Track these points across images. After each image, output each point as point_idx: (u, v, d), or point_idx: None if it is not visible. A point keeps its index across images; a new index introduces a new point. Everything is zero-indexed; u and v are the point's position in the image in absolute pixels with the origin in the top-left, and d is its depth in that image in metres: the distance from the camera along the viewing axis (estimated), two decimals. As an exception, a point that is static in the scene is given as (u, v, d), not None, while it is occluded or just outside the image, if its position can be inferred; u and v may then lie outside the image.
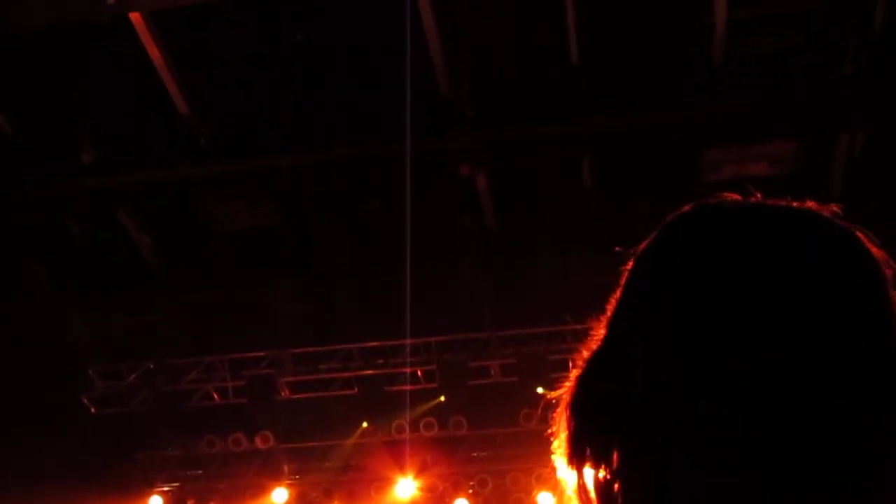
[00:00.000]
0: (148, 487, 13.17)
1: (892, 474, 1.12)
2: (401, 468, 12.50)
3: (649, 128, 10.65)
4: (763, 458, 1.10)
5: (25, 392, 11.87)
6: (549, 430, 1.30)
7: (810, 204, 1.26)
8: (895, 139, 10.68)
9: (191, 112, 11.01)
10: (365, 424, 12.89)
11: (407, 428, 12.40)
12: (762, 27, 10.33)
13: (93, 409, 13.16)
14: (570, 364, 1.30)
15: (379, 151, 11.00)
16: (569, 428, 1.25)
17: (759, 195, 1.29)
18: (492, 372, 12.48)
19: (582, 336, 1.30)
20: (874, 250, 1.23)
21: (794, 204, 1.26)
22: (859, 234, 1.23)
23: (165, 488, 13.28)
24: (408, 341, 12.10)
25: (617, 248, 1.33)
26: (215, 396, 13.08)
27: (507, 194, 11.84)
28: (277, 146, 11.10)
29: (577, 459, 1.23)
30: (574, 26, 10.19)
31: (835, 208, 1.26)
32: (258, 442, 12.85)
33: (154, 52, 10.43)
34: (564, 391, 1.28)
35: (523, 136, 10.91)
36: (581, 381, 1.26)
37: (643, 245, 1.29)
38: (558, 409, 1.28)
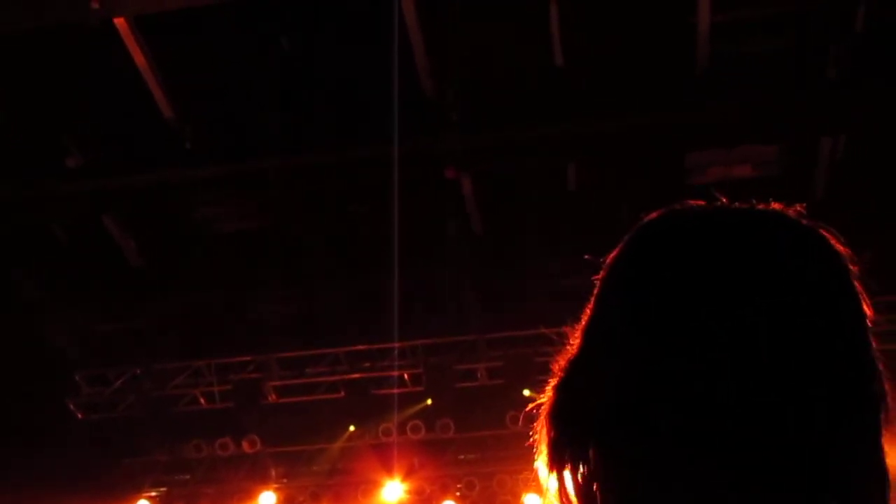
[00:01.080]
0: (135, 492, 13.13)
1: (863, 464, 1.15)
2: (388, 471, 12.50)
3: (634, 130, 10.69)
4: (733, 454, 1.12)
5: (11, 397, 11.83)
6: (532, 440, 1.32)
7: (775, 205, 1.28)
8: (877, 141, 10.75)
9: (176, 116, 11.00)
10: (352, 428, 12.89)
11: (394, 431, 12.41)
12: (745, 31, 10.38)
13: (79, 415, 13.13)
14: (552, 370, 1.33)
15: (365, 155, 11.01)
16: (548, 435, 1.27)
17: (725, 200, 1.30)
18: (478, 375, 12.50)
19: (567, 340, 1.32)
20: (839, 247, 1.25)
21: (760, 206, 1.28)
22: (824, 233, 1.26)
23: (153, 493, 13.24)
24: (395, 345, 12.11)
25: (587, 257, 1.35)
26: (202, 401, 13.07)
27: (493, 197, 11.87)
28: (263, 149, 11.10)
29: (557, 464, 1.26)
30: (559, 29, 10.22)
31: (799, 208, 1.28)
32: (245, 446, 12.83)
33: (139, 57, 10.42)
34: (544, 401, 1.30)
35: (508, 140, 10.94)
36: (558, 389, 1.28)
37: (612, 254, 1.31)
38: (539, 419, 1.30)
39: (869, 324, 1.23)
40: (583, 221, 10.45)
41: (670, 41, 10.37)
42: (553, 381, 1.30)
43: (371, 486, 12.60)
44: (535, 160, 11.26)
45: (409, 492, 12.54)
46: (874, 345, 1.22)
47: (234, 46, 10.78)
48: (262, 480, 12.99)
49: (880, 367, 1.21)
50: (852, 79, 10.06)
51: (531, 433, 1.32)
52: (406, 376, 12.57)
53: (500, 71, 10.63)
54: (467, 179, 11.55)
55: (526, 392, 11.06)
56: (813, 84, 10.22)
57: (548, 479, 1.27)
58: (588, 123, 10.62)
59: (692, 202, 1.30)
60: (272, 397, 12.85)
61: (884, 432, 1.18)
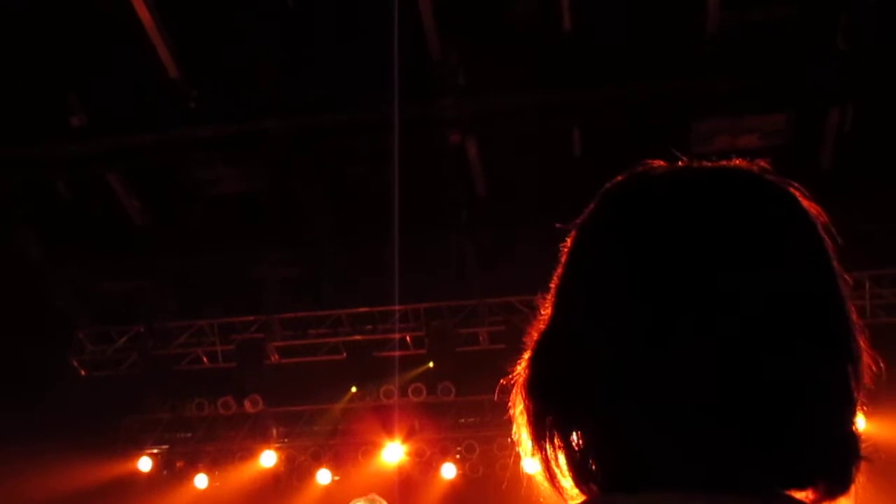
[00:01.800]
0: (137, 449, 13.22)
1: (836, 425, 1.16)
2: (389, 433, 12.57)
3: (641, 98, 10.65)
4: (721, 414, 1.13)
5: (15, 354, 11.88)
6: (507, 415, 1.29)
7: (738, 161, 1.27)
8: (885, 113, 10.70)
9: (180, 75, 10.96)
10: (353, 389, 12.95)
11: (395, 393, 12.46)
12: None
13: (82, 372, 13.20)
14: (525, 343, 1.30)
15: (369, 118, 10.98)
16: (527, 409, 1.26)
17: (685, 160, 1.30)
18: (480, 339, 12.54)
19: (538, 310, 1.31)
20: (806, 203, 1.24)
21: (722, 163, 1.28)
22: (791, 189, 1.25)
23: (154, 450, 13.34)
24: (396, 307, 12.13)
25: (558, 225, 1.34)
26: (204, 360, 13.12)
27: (497, 162, 11.84)
28: (267, 111, 11.07)
29: (538, 438, 1.25)
30: (567, -5, 10.15)
31: (763, 164, 1.27)
32: (247, 406, 12.90)
33: (144, 15, 10.37)
34: (517, 374, 1.28)
35: (514, 104, 10.90)
36: (533, 361, 1.27)
37: (580, 219, 1.30)
38: (513, 393, 1.29)
39: (840, 280, 1.22)
40: (587, 188, 10.41)
41: (680, 8, 10.30)
42: (527, 354, 1.28)
43: (371, 447, 12.68)
44: (540, 125, 11.23)
45: (410, 454, 12.61)
46: (848, 301, 1.22)
47: (239, 6, 10.72)
48: (264, 440, 13.06)
49: (854, 322, 1.21)
50: (862, 49, 10.00)
51: (508, 407, 1.30)
52: (408, 339, 12.61)
53: (507, 35, 10.57)
54: (472, 143, 11.53)
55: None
56: (822, 54, 10.16)
57: (531, 451, 1.26)
58: (594, 89, 10.57)
59: (655, 163, 1.29)
60: (274, 357, 12.90)
61: (858, 396, 1.19)
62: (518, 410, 1.28)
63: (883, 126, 10.80)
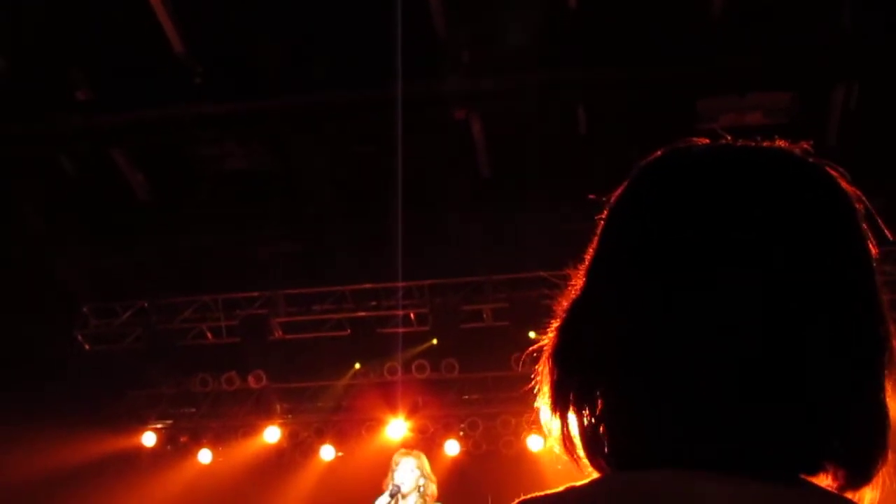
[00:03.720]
0: (141, 424, 13.28)
1: (865, 402, 1.16)
2: (392, 409, 12.61)
3: (646, 76, 10.61)
4: (740, 396, 1.13)
5: (19, 328, 11.91)
6: (534, 381, 1.30)
7: (780, 143, 1.27)
8: (890, 90, 10.66)
9: (186, 51, 10.94)
10: (357, 365, 12.97)
11: (399, 370, 12.49)
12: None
13: (87, 346, 13.23)
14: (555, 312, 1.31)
15: (372, 95, 10.94)
16: (551, 377, 1.26)
17: (730, 138, 1.29)
18: (484, 316, 12.55)
19: (569, 281, 1.31)
20: (845, 186, 1.24)
21: (764, 143, 1.27)
22: (830, 171, 1.25)
23: (158, 425, 13.40)
24: (399, 284, 12.14)
25: (591, 196, 1.34)
26: (209, 335, 13.15)
27: (502, 140, 11.82)
28: (272, 88, 11.04)
29: (560, 406, 1.25)
30: (573, -29, 10.11)
31: (805, 146, 1.27)
32: (251, 381, 12.94)
33: (150, -10, 10.34)
34: (546, 343, 1.29)
35: (518, 82, 10.86)
36: (562, 330, 1.27)
37: (616, 192, 1.29)
38: (541, 361, 1.29)
39: (874, 264, 1.22)
40: (593, 165, 10.40)
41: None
42: (556, 323, 1.28)
43: (375, 423, 12.72)
44: (545, 103, 11.20)
45: (413, 430, 12.65)
46: (881, 286, 1.21)
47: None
48: (267, 416, 13.11)
49: (885, 308, 1.20)
50: (867, 27, 9.95)
51: (533, 375, 1.30)
52: (412, 316, 12.62)
53: (512, 12, 10.53)
54: (476, 120, 11.50)
55: (531, 334, 11.10)
56: (827, 31, 10.11)
57: (550, 421, 1.27)
58: (599, 67, 10.53)
59: (696, 140, 1.29)
60: (278, 333, 12.92)
61: (886, 384, 1.18)
62: (544, 378, 1.28)
63: (888, 104, 10.77)
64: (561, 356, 1.26)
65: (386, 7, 9.91)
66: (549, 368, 1.27)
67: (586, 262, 1.29)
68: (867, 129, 10.96)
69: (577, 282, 1.29)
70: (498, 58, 10.64)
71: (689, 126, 10.92)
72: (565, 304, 1.29)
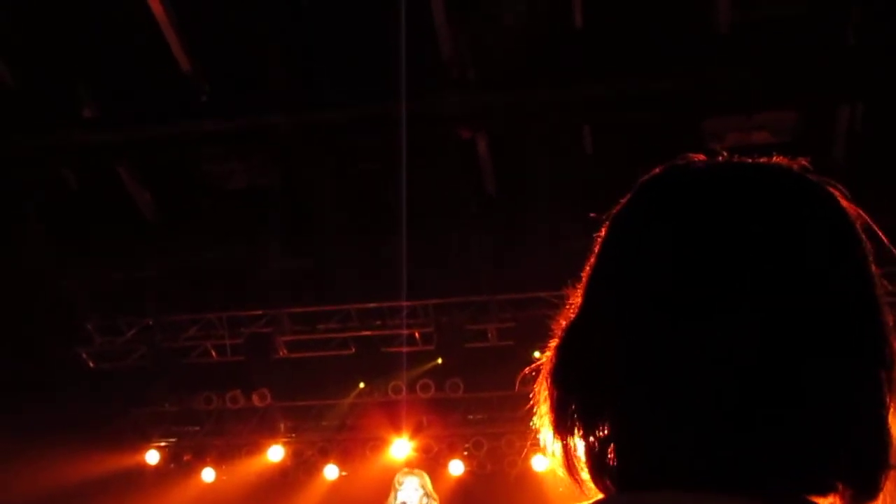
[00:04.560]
0: (144, 442, 13.25)
1: (865, 417, 1.14)
2: (396, 429, 12.57)
3: (652, 95, 10.63)
4: (743, 416, 1.11)
5: (23, 345, 11.91)
6: (531, 403, 1.29)
7: (779, 159, 1.25)
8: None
9: (192, 69, 10.97)
10: (362, 385, 12.95)
11: (403, 389, 12.46)
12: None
13: (90, 364, 13.22)
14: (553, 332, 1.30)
15: (377, 113, 10.97)
16: (551, 398, 1.25)
17: (726, 154, 1.27)
18: (489, 335, 12.53)
19: (567, 300, 1.30)
20: (845, 203, 1.22)
21: (762, 160, 1.26)
22: (830, 188, 1.23)
23: (162, 443, 13.36)
24: (404, 303, 12.13)
25: (592, 215, 1.33)
26: (213, 353, 13.14)
27: (507, 158, 11.83)
28: (278, 106, 11.07)
29: (562, 427, 1.23)
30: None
31: (804, 162, 1.25)
32: (255, 399, 12.91)
33: (157, 8, 10.39)
34: (543, 362, 1.27)
35: (524, 101, 10.88)
36: (560, 350, 1.26)
37: (615, 210, 1.28)
38: (538, 381, 1.28)
39: (876, 283, 1.20)
40: (599, 184, 10.40)
41: (691, 5, 10.28)
42: (554, 343, 1.27)
43: (379, 442, 12.68)
44: (551, 122, 11.21)
45: (417, 450, 12.61)
46: (883, 303, 1.20)
47: (251, 1, 10.73)
48: (271, 434, 13.08)
49: (889, 326, 1.18)
50: (872, 46, 9.97)
51: (531, 395, 1.29)
52: (417, 335, 12.60)
53: (518, 30, 10.56)
54: (482, 139, 11.51)
55: (536, 354, 11.04)
56: (832, 50, 10.13)
57: (552, 442, 1.25)
58: (606, 86, 10.55)
59: (694, 156, 1.27)
60: (283, 352, 12.91)
61: (890, 402, 1.16)
62: (542, 398, 1.27)
63: (894, 123, 10.77)
64: (560, 376, 1.24)
65: (391, 26, 9.94)
66: (549, 388, 1.25)
67: (584, 281, 1.27)
68: (873, 147, 10.96)
69: (576, 300, 1.27)
70: (503, 76, 10.66)
71: (695, 145, 10.88)
72: (563, 322, 1.28)
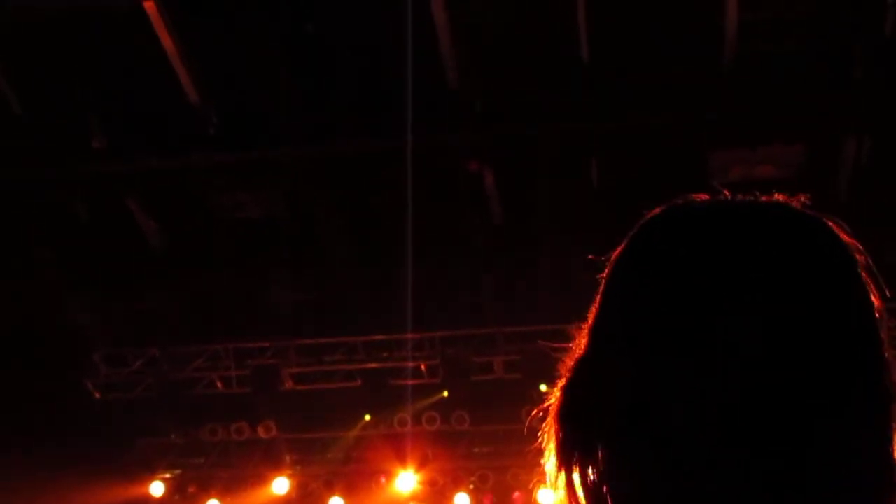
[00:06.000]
0: (149, 473, 13.21)
1: (868, 462, 1.15)
2: (402, 462, 12.53)
3: (657, 128, 10.66)
4: (744, 455, 1.11)
5: (29, 375, 11.90)
6: (539, 441, 1.31)
7: (779, 196, 1.26)
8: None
9: (201, 101, 11.04)
10: (367, 417, 12.92)
11: (409, 421, 12.43)
12: (772, 30, 10.33)
13: (96, 394, 13.20)
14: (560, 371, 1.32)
15: (386, 145, 11.02)
16: (557, 436, 1.27)
17: (727, 193, 1.29)
18: (495, 368, 12.50)
19: (574, 339, 1.31)
20: (845, 238, 1.23)
21: (763, 198, 1.27)
22: (830, 223, 1.24)
23: (167, 475, 13.32)
24: (408, 335, 12.12)
25: (590, 257, 1.34)
26: (219, 385, 13.12)
27: (515, 191, 11.86)
28: (286, 138, 11.12)
29: (565, 465, 1.25)
30: (585, 25, 10.20)
31: (804, 199, 1.26)
32: (261, 431, 12.89)
33: (167, 41, 10.46)
34: (551, 402, 1.29)
35: (532, 133, 10.93)
36: (566, 389, 1.27)
37: (617, 251, 1.29)
38: (546, 420, 1.29)
39: (878, 315, 1.21)
40: (605, 217, 10.42)
41: (697, 39, 10.33)
42: (561, 382, 1.29)
43: (384, 475, 12.63)
44: (557, 155, 11.24)
45: (423, 483, 12.56)
46: (884, 339, 1.20)
47: (259, 33, 10.80)
48: (276, 466, 13.04)
49: (890, 362, 1.19)
50: (879, 81, 10.00)
51: (539, 434, 1.31)
52: (423, 367, 12.57)
53: (526, 64, 10.61)
54: (489, 172, 11.55)
55: (542, 387, 11.04)
56: (838, 85, 10.16)
57: (556, 480, 1.26)
58: (612, 119, 10.59)
59: (695, 196, 1.29)
60: (289, 384, 12.88)
61: (893, 437, 1.16)
62: (549, 436, 1.29)
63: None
64: (565, 415, 1.26)
65: (399, 59, 10.01)
66: (555, 427, 1.27)
67: (589, 321, 1.29)
68: (879, 182, 10.96)
69: (581, 340, 1.29)
70: (510, 109, 10.71)
71: (700, 179, 10.94)
72: (569, 362, 1.29)
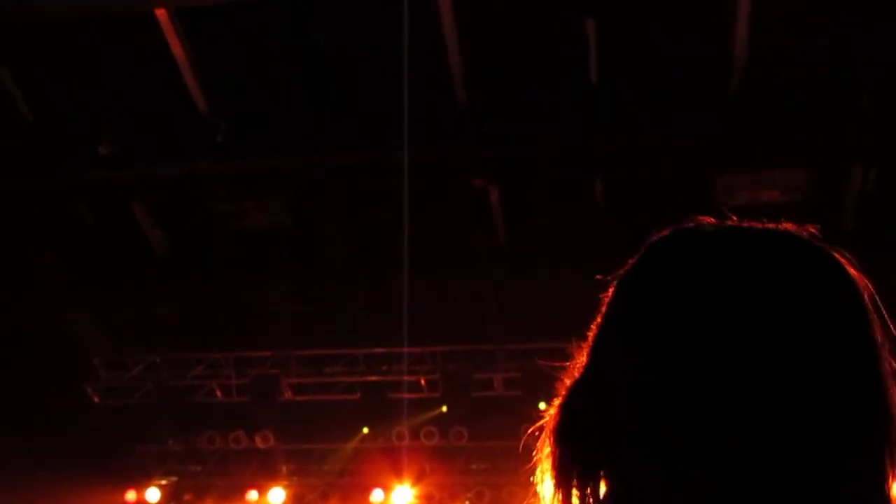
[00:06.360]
0: (146, 479, 13.20)
1: (867, 494, 1.15)
2: (399, 475, 12.50)
3: (663, 150, 10.67)
4: (743, 479, 1.12)
5: (30, 379, 11.90)
6: (534, 459, 1.29)
7: (787, 225, 1.26)
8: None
9: (209, 110, 11.07)
10: (365, 430, 12.90)
11: (407, 435, 12.41)
12: (783, 57, 10.34)
13: (96, 399, 13.20)
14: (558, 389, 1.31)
15: (389, 159, 11.02)
16: (553, 455, 1.25)
17: (735, 219, 1.28)
18: (495, 384, 12.48)
19: (573, 358, 1.31)
20: (851, 270, 1.23)
21: (771, 225, 1.26)
22: (836, 255, 1.24)
23: (163, 481, 13.31)
24: (405, 349, 12.10)
25: (598, 277, 1.34)
26: (218, 393, 13.11)
27: (519, 208, 11.86)
28: (292, 149, 11.15)
29: (563, 486, 1.24)
30: (595, 46, 10.22)
31: (812, 229, 1.26)
32: (258, 441, 12.87)
33: (177, 49, 10.50)
34: (547, 419, 1.28)
35: (538, 152, 10.94)
36: (564, 408, 1.26)
37: (622, 271, 1.29)
38: (541, 438, 1.28)
39: (883, 349, 1.20)
40: (608, 236, 10.42)
41: (705, 63, 10.34)
42: (558, 400, 1.28)
43: (381, 489, 12.60)
44: (562, 173, 11.26)
45: (419, 497, 12.53)
46: (888, 374, 1.19)
47: (269, 43, 10.84)
48: (273, 476, 13.02)
49: (892, 396, 1.19)
50: (887, 110, 10.01)
51: (534, 452, 1.29)
52: (422, 382, 12.56)
53: (534, 84, 10.64)
54: (494, 189, 11.56)
55: (542, 405, 11.02)
56: (846, 113, 10.17)
57: (553, 499, 1.25)
58: (618, 140, 10.60)
59: (702, 219, 1.28)
60: (288, 394, 12.87)
61: (892, 471, 1.16)
62: (544, 455, 1.27)
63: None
64: (563, 434, 1.25)
65: (407, 74, 10.03)
66: (551, 447, 1.26)
67: (589, 340, 1.29)
68: (885, 208, 10.96)
69: (580, 359, 1.28)
70: (517, 127, 10.73)
71: (705, 202, 10.94)
72: (568, 381, 1.28)
